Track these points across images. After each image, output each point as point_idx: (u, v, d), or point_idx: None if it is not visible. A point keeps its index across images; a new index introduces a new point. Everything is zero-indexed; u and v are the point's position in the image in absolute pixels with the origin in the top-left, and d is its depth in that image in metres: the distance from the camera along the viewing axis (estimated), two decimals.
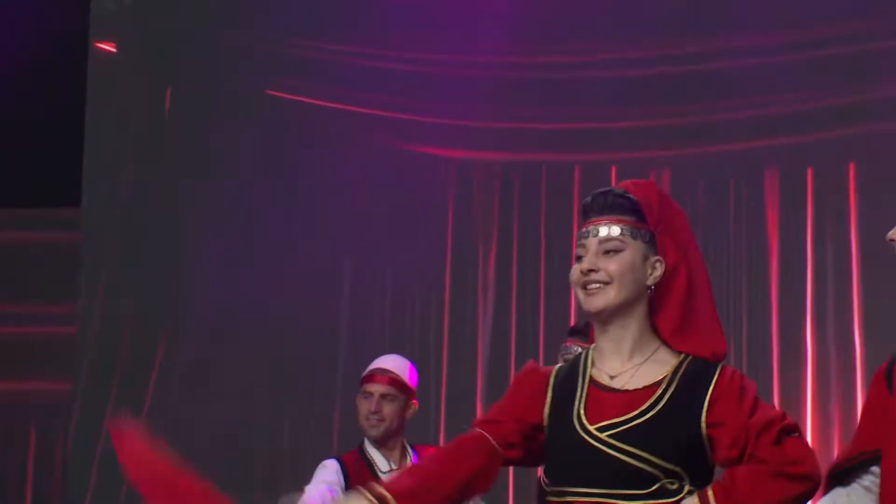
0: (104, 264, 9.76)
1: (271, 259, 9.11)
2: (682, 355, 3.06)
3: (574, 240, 8.08)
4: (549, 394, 3.15)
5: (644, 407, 3.00)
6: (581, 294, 3.07)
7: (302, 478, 8.91)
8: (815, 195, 8.57)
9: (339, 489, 5.41)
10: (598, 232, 3.07)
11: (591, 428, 3.00)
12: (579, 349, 4.81)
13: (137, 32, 9.84)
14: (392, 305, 8.97)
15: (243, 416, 8.86)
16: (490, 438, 3.09)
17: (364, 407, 5.15)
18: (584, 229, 3.17)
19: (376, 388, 5.25)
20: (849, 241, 8.55)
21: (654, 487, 2.98)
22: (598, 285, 3.00)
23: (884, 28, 8.55)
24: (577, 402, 3.09)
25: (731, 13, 8.80)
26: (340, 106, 8.75)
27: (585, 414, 3.04)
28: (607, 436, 2.95)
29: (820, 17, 8.63)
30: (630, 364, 3.06)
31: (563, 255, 8.45)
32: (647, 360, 3.06)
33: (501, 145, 8.85)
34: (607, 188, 3.20)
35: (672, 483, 2.95)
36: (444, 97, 8.53)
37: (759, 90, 8.66)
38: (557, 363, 4.32)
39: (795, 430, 2.96)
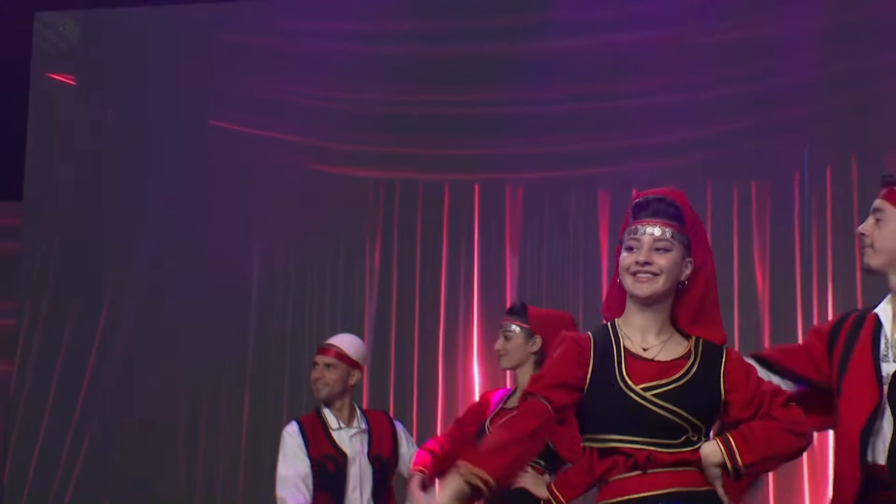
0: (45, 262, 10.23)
1: (194, 260, 9.70)
2: (693, 338, 3.64)
3: (445, 247, 8.93)
4: (592, 359, 3.69)
5: (679, 374, 3.57)
6: (629, 280, 3.56)
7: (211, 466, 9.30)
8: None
9: (306, 491, 6.16)
10: (653, 232, 3.56)
11: (636, 388, 3.58)
12: (517, 327, 6.00)
13: (83, 65, 10.49)
14: (294, 308, 9.62)
15: (166, 412, 9.29)
16: (549, 406, 3.62)
17: (312, 374, 6.01)
18: (637, 227, 3.72)
19: (321, 359, 6.05)
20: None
21: (681, 438, 3.56)
22: (648, 276, 3.50)
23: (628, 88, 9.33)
24: (618, 367, 3.65)
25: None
26: (258, 132, 9.68)
27: (629, 375, 3.61)
28: (651, 395, 3.53)
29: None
30: (657, 341, 3.60)
31: (433, 255, 9.44)
32: (669, 339, 3.60)
33: (389, 166, 9.73)
34: (661, 196, 3.71)
35: (693, 436, 3.53)
36: (340, 127, 9.54)
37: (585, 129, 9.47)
38: (497, 341, 5.83)
39: (793, 400, 3.66)
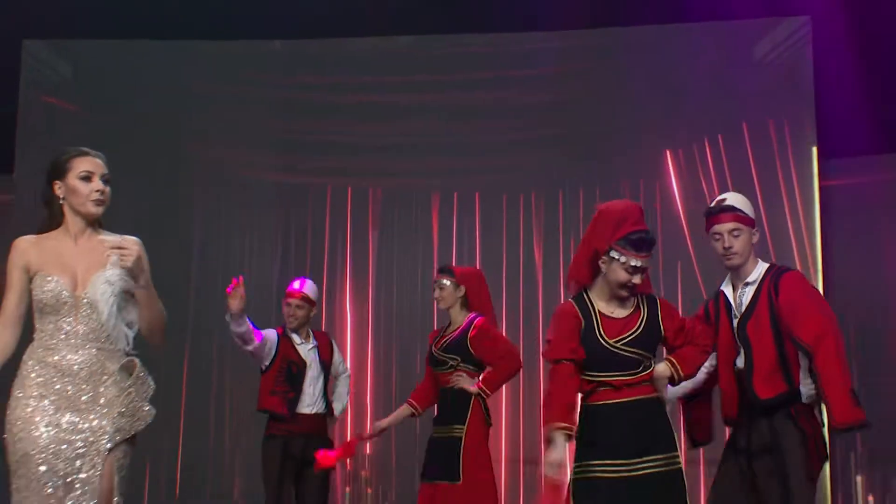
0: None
1: (152, 241, 10.89)
2: (638, 295, 5.04)
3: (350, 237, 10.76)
4: (582, 323, 5.00)
5: (635, 326, 4.99)
6: (622, 273, 4.88)
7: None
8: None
9: (273, 346, 7.80)
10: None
11: (610, 341, 4.94)
12: (447, 281, 7.38)
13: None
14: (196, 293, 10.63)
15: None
16: (574, 364, 4.96)
17: (286, 311, 7.66)
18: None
19: (293, 301, 7.72)
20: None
21: (640, 368, 4.94)
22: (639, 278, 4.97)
23: None
24: (596, 326, 4.99)
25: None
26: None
27: (605, 333, 4.95)
28: (620, 344, 4.92)
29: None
30: (618, 303, 5.00)
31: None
32: (625, 300, 4.97)
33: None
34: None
35: (647, 364, 4.94)
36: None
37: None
38: (433, 293, 7.34)
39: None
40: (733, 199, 5.79)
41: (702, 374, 5.62)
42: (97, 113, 10.68)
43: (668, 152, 10.65)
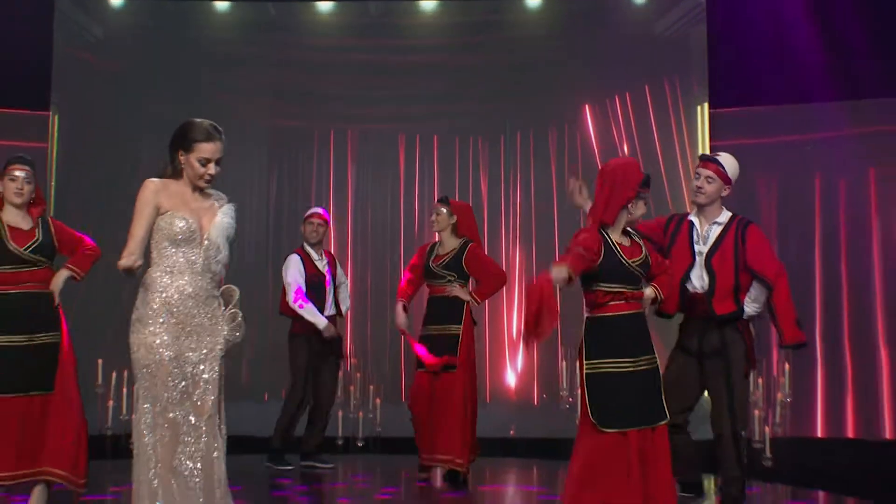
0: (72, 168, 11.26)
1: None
2: (632, 233, 5.73)
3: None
4: (604, 247, 5.60)
5: (641, 254, 5.69)
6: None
7: None
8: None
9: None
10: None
11: (628, 261, 5.63)
12: (444, 209, 8.01)
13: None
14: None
15: None
16: (596, 247, 5.51)
17: (309, 229, 8.51)
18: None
19: (316, 220, 8.58)
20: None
21: (639, 285, 5.71)
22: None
23: None
24: (616, 251, 5.63)
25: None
26: None
27: (623, 254, 5.61)
28: (633, 263, 5.64)
29: None
30: (625, 237, 5.67)
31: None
32: (625, 234, 5.64)
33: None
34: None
35: (643, 285, 5.75)
36: None
37: None
38: (432, 216, 8.09)
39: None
40: (724, 157, 6.62)
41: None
42: (122, 59, 11.48)
43: (587, 105, 11.82)
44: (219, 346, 5.29)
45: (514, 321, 11.65)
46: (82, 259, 6.56)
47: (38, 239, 6.41)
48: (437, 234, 8.17)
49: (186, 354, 5.19)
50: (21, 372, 6.38)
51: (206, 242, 5.25)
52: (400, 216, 11.95)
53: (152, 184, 5.21)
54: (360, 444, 9.79)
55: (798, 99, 10.98)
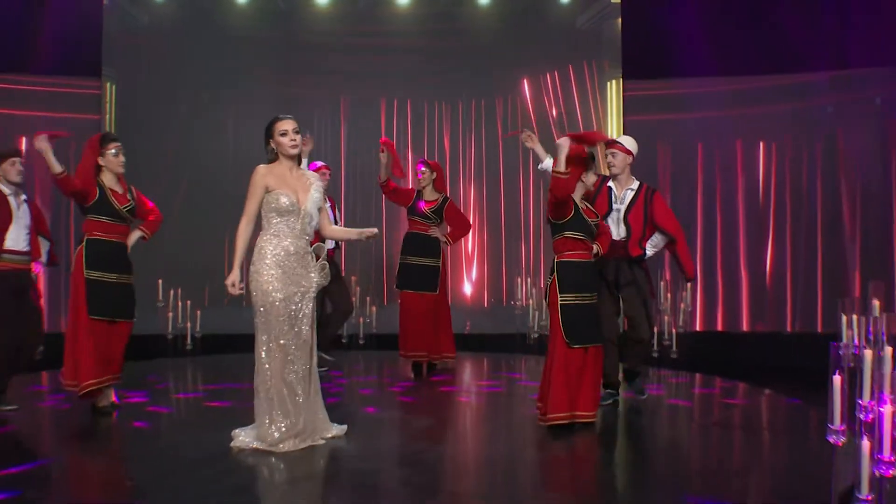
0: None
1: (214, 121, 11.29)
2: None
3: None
4: (574, 208, 5.88)
5: (596, 217, 6.05)
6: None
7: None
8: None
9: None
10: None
11: (588, 219, 5.94)
12: (426, 168, 8.20)
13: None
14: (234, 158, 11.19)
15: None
16: (570, 202, 5.85)
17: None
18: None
19: (324, 171, 8.10)
20: None
21: (593, 237, 5.97)
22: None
23: None
24: (579, 210, 5.89)
25: None
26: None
27: (586, 215, 5.92)
28: (592, 223, 5.97)
29: None
30: (583, 200, 5.95)
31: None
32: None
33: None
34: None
35: (594, 239, 6.02)
36: None
37: None
38: (418, 175, 8.21)
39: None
40: (625, 139, 7.00)
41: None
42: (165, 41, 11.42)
43: (525, 80, 11.92)
44: (312, 289, 5.52)
45: (470, 243, 11.78)
46: (152, 224, 6.77)
47: (130, 203, 6.59)
48: (422, 186, 8.26)
49: (290, 297, 5.41)
50: (111, 303, 6.54)
51: (302, 212, 5.44)
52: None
53: (261, 168, 5.42)
54: (361, 342, 10.10)
55: (688, 84, 11.20)
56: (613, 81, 11.52)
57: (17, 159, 6.72)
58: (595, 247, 6.13)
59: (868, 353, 3.86)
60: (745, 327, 11.31)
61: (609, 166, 6.79)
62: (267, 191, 5.37)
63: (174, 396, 7.70)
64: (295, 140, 5.41)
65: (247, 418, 5.78)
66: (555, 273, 6.01)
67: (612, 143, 6.84)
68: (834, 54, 10.60)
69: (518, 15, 11.65)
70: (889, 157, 10.67)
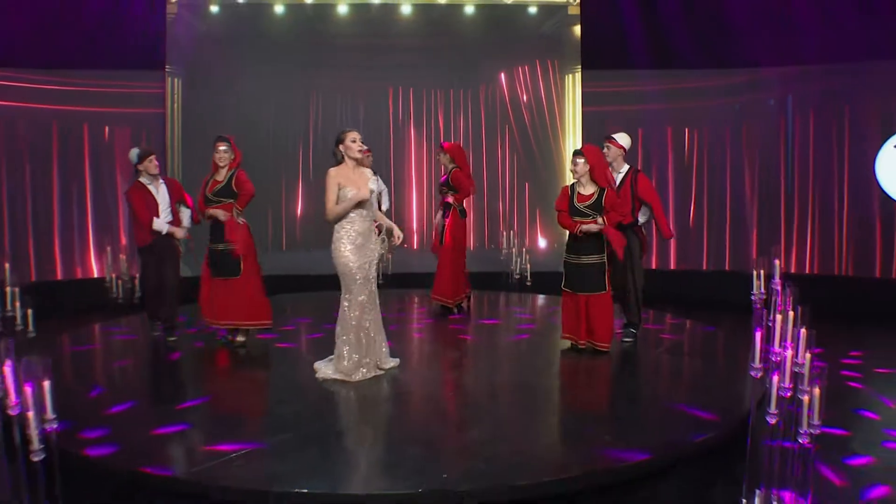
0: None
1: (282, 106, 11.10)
2: (595, 185, 6.06)
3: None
4: (570, 195, 6.11)
5: (592, 199, 6.08)
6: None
7: None
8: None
9: None
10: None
11: (579, 204, 6.12)
12: (445, 155, 7.83)
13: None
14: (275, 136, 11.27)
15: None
16: (566, 210, 6.03)
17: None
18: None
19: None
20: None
21: (590, 216, 6.09)
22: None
23: None
24: (573, 198, 6.10)
25: None
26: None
27: (577, 200, 6.09)
28: (583, 206, 6.10)
29: None
30: (586, 187, 6.03)
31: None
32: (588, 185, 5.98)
33: None
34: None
35: (594, 217, 6.10)
36: None
37: None
38: (441, 158, 7.95)
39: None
40: (619, 135, 6.80)
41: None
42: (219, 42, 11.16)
43: (502, 73, 11.98)
44: (375, 256, 5.77)
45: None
46: (243, 199, 6.72)
47: (223, 185, 6.66)
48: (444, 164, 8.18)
49: (362, 265, 5.66)
50: (220, 265, 6.74)
51: (367, 202, 5.65)
52: (390, 140, 12.04)
53: (332, 171, 5.60)
54: (381, 282, 9.98)
55: (631, 83, 11.20)
56: (570, 75, 11.56)
57: (153, 156, 6.90)
58: (597, 221, 6.24)
59: (779, 318, 4.59)
60: (672, 266, 11.47)
61: (605, 156, 6.70)
62: (339, 186, 5.56)
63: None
64: (361, 146, 5.60)
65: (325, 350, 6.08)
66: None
67: (608, 139, 6.76)
68: (745, 58, 10.54)
69: (496, 22, 11.57)
70: (778, 145, 10.83)
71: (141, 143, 9.68)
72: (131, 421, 5.01)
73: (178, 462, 4.46)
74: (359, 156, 5.57)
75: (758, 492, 4.34)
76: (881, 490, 4.74)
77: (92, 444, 4.61)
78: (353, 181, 5.57)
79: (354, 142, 5.57)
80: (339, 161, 5.65)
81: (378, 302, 5.92)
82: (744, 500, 4.50)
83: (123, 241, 10.05)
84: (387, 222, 6.01)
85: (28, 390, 3.92)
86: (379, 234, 5.74)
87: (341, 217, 5.61)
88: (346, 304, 5.72)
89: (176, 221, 7.13)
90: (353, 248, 5.59)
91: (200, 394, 5.73)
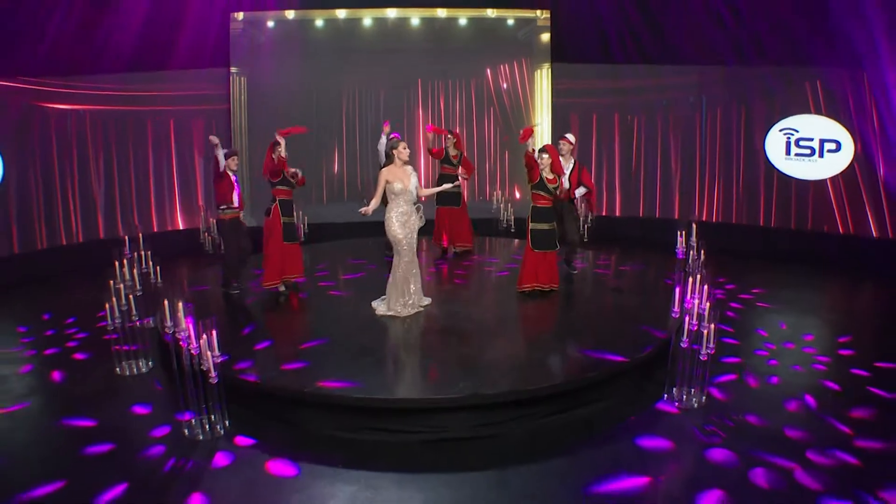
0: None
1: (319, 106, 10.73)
2: (553, 173, 5.94)
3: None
4: (540, 177, 5.93)
5: (557, 182, 5.98)
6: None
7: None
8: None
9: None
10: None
11: (548, 185, 5.98)
12: (451, 137, 7.68)
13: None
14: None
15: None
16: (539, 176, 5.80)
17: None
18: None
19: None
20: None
21: (553, 194, 5.97)
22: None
23: None
24: (543, 179, 5.93)
25: None
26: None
27: (546, 181, 5.92)
28: (551, 187, 5.98)
29: None
30: (548, 175, 5.84)
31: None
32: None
33: None
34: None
35: (557, 192, 6.01)
36: None
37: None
38: (446, 140, 7.84)
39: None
40: (568, 134, 7.10)
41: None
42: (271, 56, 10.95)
43: (487, 69, 11.78)
44: (416, 230, 5.91)
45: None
46: (299, 182, 6.80)
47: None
48: (448, 145, 8.04)
49: (407, 235, 5.83)
50: (292, 232, 6.55)
51: (408, 192, 5.81)
52: (404, 122, 11.74)
53: (384, 171, 5.77)
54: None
55: (589, 81, 11.00)
56: (539, 70, 11.42)
57: (236, 156, 6.83)
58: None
59: (691, 279, 5.30)
60: (617, 213, 11.38)
61: (560, 150, 6.92)
62: (388, 182, 5.80)
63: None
64: (406, 150, 5.86)
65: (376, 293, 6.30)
66: (530, 212, 6.39)
67: (562, 137, 7.04)
68: (672, 56, 10.23)
69: (483, 31, 11.43)
70: (695, 131, 10.65)
71: (212, 130, 9.73)
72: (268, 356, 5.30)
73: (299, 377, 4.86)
74: (406, 158, 5.79)
75: (674, 388, 5.11)
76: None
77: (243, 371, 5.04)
78: (399, 177, 5.79)
79: (404, 149, 5.82)
80: (388, 162, 5.90)
81: (417, 260, 6.13)
82: (665, 395, 5.23)
83: (200, 202, 10.02)
84: (433, 191, 6.22)
85: (204, 337, 4.70)
86: (417, 213, 5.92)
87: (378, 202, 5.79)
88: (396, 260, 5.95)
89: (241, 206, 6.93)
90: (399, 225, 5.84)
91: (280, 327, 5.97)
